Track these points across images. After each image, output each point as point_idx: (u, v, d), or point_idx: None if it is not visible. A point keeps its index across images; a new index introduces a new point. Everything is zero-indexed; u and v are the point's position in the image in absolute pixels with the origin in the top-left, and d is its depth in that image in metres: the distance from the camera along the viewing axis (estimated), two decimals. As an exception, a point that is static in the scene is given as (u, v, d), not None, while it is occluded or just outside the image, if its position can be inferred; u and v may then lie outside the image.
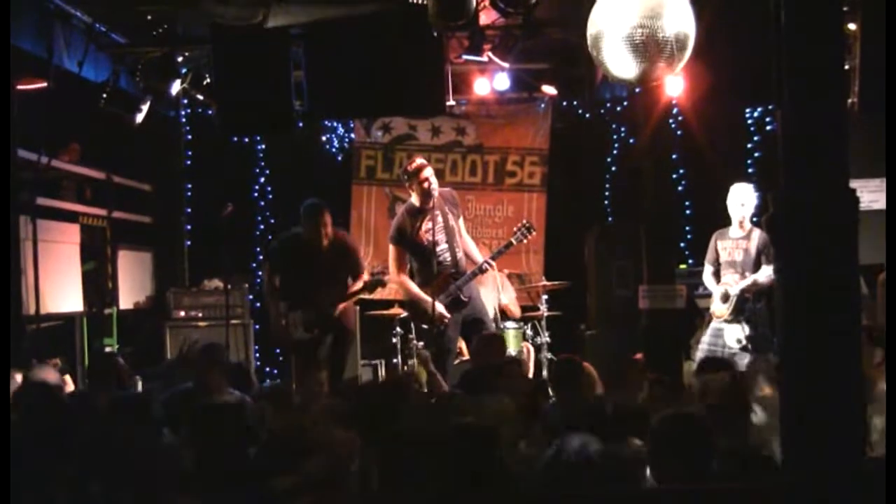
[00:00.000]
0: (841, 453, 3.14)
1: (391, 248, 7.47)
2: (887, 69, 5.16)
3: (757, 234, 7.29)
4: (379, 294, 9.84)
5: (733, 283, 7.26)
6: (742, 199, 7.37)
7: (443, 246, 7.30)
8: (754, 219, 7.40)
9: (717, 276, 7.49)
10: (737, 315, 7.24)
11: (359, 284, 7.42)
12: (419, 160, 7.49)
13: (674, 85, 7.54)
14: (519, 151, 10.18)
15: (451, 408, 4.51)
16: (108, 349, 8.46)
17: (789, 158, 3.26)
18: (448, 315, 7.21)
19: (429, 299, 7.15)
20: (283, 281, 7.43)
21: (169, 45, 7.96)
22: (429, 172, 7.29)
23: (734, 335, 7.25)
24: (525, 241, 7.49)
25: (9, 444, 3.63)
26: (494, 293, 8.99)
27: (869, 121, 5.91)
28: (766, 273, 7.09)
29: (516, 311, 9.01)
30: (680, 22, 5.27)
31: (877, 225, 4.62)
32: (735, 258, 7.38)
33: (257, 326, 9.30)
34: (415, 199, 7.36)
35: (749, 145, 9.53)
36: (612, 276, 8.89)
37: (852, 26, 6.47)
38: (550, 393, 5.46)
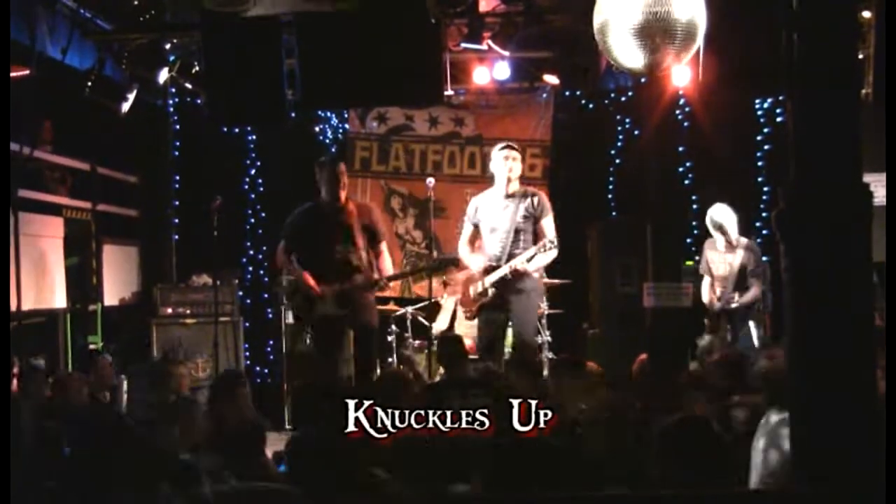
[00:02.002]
0: (853, 457, 3.04)
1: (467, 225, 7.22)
2: (887, 61, 5.07)
3: (741, 250, 7.72)
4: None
5: (716, 301, 7.86)
6: (720, 221, 7.74)
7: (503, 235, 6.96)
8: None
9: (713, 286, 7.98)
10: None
11: (389, 267, 7.09)
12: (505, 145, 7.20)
13: (681, 75, 7.43)
14: (519, 143, 9.87)
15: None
16: (92, 346, 8.27)
17: (800, 151, 3.18)
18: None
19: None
20: (304, 257, 7.04)
21: (156, 32, 7.88)
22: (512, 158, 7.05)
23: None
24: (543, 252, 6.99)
25: (9, 445, 3.50)
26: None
27: (883, 112, 5.73)
28: (744, 297, 7.70)
29: None
30: (689, 9, 5.21)
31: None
32: (721, 272, 7.83)
33: (247, 324, 9.19)
34: (499, 186, 7.05)
35: (758, 137, 9.40)
36: (616, 273, 8.75)
37: (867, 14, 6.33)
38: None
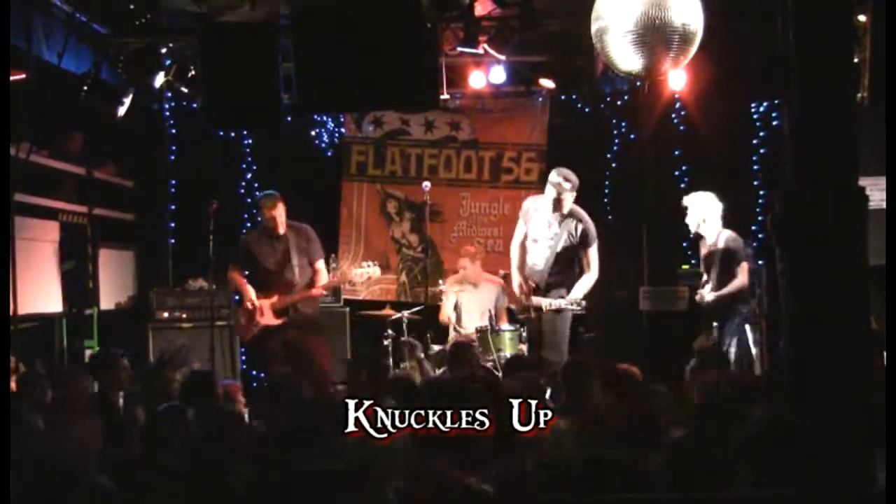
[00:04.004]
0: (852, 458, 3.10)
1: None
2: (887, 65, 5.07)
3: (723, 239, 7.27)
4: (370, 295, 9.71)
5: (705, 293, 7.38)
6: (702, 213, 7.32)
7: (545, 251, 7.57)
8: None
9: None
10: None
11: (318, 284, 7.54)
12: None
13: (677, 79, 7.40)
14: (516, 147, 9.98)
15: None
16: (88, 351, 8.23)
17: (796, 155, 3.22)
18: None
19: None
20: (249, 274, 7.66)
21: (152, 36, 7.89)
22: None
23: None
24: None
25: (9, 443, 3.56)
26: (492, 293, 8.76)
27: (879, 116, 5.73)
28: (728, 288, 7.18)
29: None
30: (687, 13, 5.21)
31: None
32: (708, 263, 7.47)
33: (243, 328, 9.06)
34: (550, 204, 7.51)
35: (754, 141, 9.35)
36: (612, 277, 8.65)
37: (862, 18, 6.33)
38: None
